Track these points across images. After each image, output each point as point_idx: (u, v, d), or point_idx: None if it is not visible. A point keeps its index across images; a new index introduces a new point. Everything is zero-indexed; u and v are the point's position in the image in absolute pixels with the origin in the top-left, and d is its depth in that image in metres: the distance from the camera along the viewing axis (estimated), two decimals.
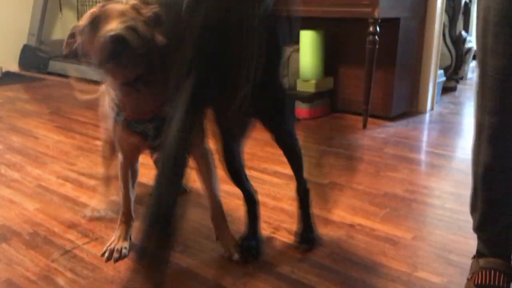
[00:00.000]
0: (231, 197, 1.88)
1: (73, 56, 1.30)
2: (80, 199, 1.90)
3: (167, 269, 1.20)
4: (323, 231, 1.64)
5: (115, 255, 1.46)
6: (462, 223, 1.68)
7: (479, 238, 1.31)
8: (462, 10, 3.96)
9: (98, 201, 1.80)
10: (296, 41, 3.17)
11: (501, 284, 1.22)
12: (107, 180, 1.82)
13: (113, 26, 1.16)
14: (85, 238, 1.59)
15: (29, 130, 2.87)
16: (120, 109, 1.34)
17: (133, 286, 1.33)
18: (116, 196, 1.86)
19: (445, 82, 3.84)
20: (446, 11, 3.83)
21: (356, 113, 3.22)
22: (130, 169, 1.50)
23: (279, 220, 1.72)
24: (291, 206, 1.83)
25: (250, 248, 1.47)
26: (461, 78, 4.20)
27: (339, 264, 1.44)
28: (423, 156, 2.47)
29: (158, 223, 1.03)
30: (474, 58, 4.17)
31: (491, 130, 1.18)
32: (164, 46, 1.16)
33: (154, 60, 1.21)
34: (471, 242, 1.54)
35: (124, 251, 1.48)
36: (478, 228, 1.30)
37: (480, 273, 1.25)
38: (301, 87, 3.18)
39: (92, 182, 2.06)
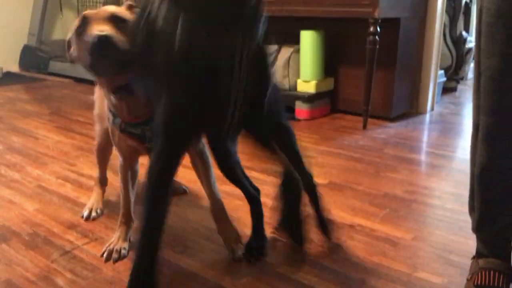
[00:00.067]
0: (231, 197, 1.88)
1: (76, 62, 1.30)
2: (80, 199, 1.90)
3: None
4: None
5: (114, 255, 1.46)
6: (462, 224, 1.68)
7: (478, 238, 1.31)
8: (462, 10, 3.96)
9: (94, 201, 1.80)
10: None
11: (500, 285, 1.22)
12: (102, 181, 1.83)
13: (100, 27, 1.16)
14: (84, 238, 1.59)
15: (29, 130, 2.87)
16: (116, 112, 1.34)
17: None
18: (112, 196, 1.87)
19: (445, 82, 3.84)
20: (447, 11, 3.83)
21: (356, 114, 3.22)
22: (129, 171, 1.50)
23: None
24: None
25: (250, 248, 1.47)
26: (462, 79, 4.20)
27: (339, 265, 1.44)
28: (423, 157, 2.47)
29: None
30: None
31: (486, 130, 1.18)
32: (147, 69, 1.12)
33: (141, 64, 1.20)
34: (471, 243, 1.54)
35: (123, 251, 1.47)
36: (477, 229, 1.30)
37: (479, 274, 1.25)
38: (301, 87, 3.18)
39: (92, 183, 2.05)
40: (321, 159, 2.39)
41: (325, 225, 1.54)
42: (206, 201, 1.83)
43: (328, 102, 3.32)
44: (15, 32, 5.02)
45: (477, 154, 1.22)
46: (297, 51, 3.20)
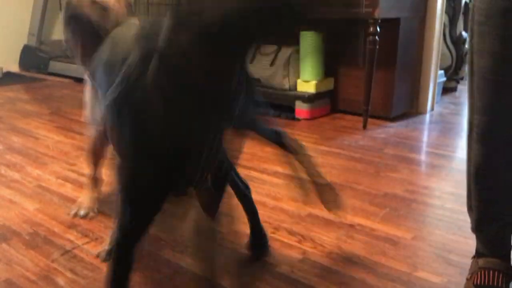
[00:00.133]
0: (230, 197, 1.88)
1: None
2: (80, 199, 1.90)
3: None
4: (323, 231, 1.64)
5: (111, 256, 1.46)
6: (462, 223, 1.68)
7: (477, 238, 1.31)
8: (462, 10, 3.96)
9: (86, 200, 1.80)
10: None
11: (500, 284, 1.22)
12: (95, 181, 1.82)
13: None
14: (85, 238, 1.59)
15: (29, 130, 2.87)
16: None
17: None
18: (112, 196, 1.86)
19: (445, 82, 3.84)
20: (446, 11, 3.82)
21: (357, 114, 3.22)
22: None
23: (279, 220, 1.72)
24: (291, 206, 1.83)
25: (252, 247, 1.47)
26: (462, 79, 4.20)
27: (339, 264, 1.44)
28: (423, 157, 2.47)
29: None
30: None
31: (480, 130, 1.18)
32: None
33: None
34: (471, 242, 1.54)
35: None
36: (476, 228, 1.30)
37: (479, 273, 1.25)
38: (301, 87, 3.18)
39: None
40: (321, 159, 2.39)
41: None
42: None
43: (328, 102, 3.32)
44: (15, 32, 5.02)
45: (472, 153, 1.23)
46: (297, 51, 3.20)
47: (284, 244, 1.56)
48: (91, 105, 1.67)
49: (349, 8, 2.79)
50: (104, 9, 1.25)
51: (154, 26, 0.87)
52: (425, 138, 2.82)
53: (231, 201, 1.84)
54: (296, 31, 3.21)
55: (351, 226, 1.68)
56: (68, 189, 1.99)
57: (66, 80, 4.56)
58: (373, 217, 1.75)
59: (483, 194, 1.24)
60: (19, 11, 5.03)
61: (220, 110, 0.86)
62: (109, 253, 1.46)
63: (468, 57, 1.20)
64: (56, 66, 4.84)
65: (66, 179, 2.10)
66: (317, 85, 3.14)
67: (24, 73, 4.98)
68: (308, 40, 3.09)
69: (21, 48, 5.07)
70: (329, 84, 3.28)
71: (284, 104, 3.23)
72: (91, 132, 1.73)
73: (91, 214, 1.74)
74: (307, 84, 3.15)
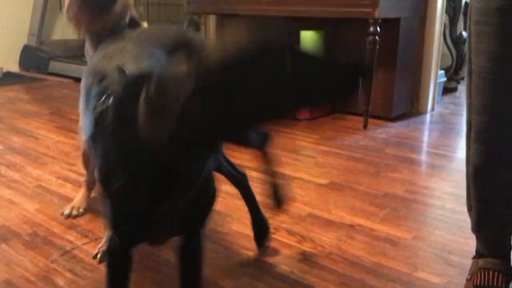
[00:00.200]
0: (230, 197, 1.88)
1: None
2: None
3: None
4: (323, 231, 1.64)
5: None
6: (462, 224, 1.68)
7: (477, 238, 1.31)
8: (462, 10, 3.95)
9: (78, 200, 1.80)
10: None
11: (499, 285, 1.22)
12: (90, 184, 1.82)
13: None
14: (84, 238, 1.59)
15: (29, 130, 2.87)
16: None
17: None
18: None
19: (445, 82, 3.83)
20: (447, 11, 3.82)
21: (357, 114, 3.22)
22: None
23: (279, 221, 1.71)
24: (291, 206, 1.83)
25: (256, 234, 1.50)
26: (462, 79, 4.19)
27: (339, 264, 1.44)
28: (423, 157, 2.47)
29: None
30: None
31: (478, 129, 1.18)
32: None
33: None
34: (471, 243, 1.53)
35: None
36: (476, 228, 1.30)
37: (479, 274, 1.25)
38: None
39: None
40: (321, 159, 2.39)
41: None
42: None
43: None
44: (15, 32, 5.02)
45: (471, 153, 1.23)
46: None
47: (284, 244, 1.56)
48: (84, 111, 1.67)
49: (349, 8, 2.79)
50: None
51: (140, 76, 0.85)
52: (425, 138, 2.82)
53: (231, 202, 1.84)
54: (296, 31, 3.21)
55: (351, 226, 1.68)
56: (68, 189, 1.99)
57: (66, 80, 4.55)
58: (373, 218, 1.74)
59: (482, 194, 1.24)
60: (19, 11, 5.03)
61: (175, 184, 0.85)
62: (106, 253, 1.46)
63: (466, 57, 1.20)
64: (56, 66, 4.83)
65: (66, 179, 2.10)
66: None
67: (24, 73, 4.98)
68: (308, 40, 3.08)
69: (21, 48, 5.07)
70: None
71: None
72: (83, 137, 1.72)
73: (74, 213, 1.75)
74: None
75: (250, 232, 1.62)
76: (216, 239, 1.55)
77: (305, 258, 1.48)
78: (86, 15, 1.32)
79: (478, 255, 1.31)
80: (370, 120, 2.99)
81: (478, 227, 1.29)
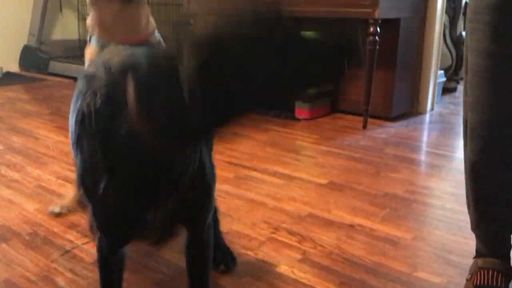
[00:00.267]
0: (231, 197, 1.88)
1: None
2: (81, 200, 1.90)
3: None
4: (323, 231, 1.64)
5: None
6: (462, 224, 1.68)
7: (477, 237, 1.31)
8: (462, 10, 3.96)
9: (67, 199, 1.82)
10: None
11: (499, 284, 1.22)
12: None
13: None
14: (84, 238, 1.59)
15: (29, 130, 2.87)
16: None
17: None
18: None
19: (445, 82, 3.84)
20: (447, 11, 3.82)
21: (357, 114, 3.22)
22: None
23: (279, 220, 1.71)
24: (291, 206, 1.83)
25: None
26: (461, 79, 4.20)
27: (339, 264, 1.44)
28: (423, 157, 2.47)
29: None
30: None
31: (472, 126, 1.19)
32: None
33: None
34: (471, 243, 1.54)
35: None
36: (475, 227, 1.30)
37: (478, 273, 1.25)
38: None
39: None
40: (321, 159, 2.39)
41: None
42: None
43: (328, 102, 3.32)
44: (15, 32, 5.02)
45: (467, 150, 1.23)
46: None
47: (284, 244, 1.56)
48: None
49: (349, 8, 2.79)
50: None
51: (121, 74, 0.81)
52: (425, 138, 2.82)
53: (231, 202, 1.85)
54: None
55: (351, 226, 1.68)
56: (68, 190, 1.99)
57: (66, 80, 4.55)
58: (373, 217, 1.75)
59: (479, 193, 1.25)
60: (19, 11, 5.03)
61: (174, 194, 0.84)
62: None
63: (464, 55, 1.21)
64: (56, 66, 4.84)
65: (66, 179, 2.10)
66: None
67: (24, 73, 4.98)
68: None
69: (21, 48, 5.07)
70: (329, 84, 3.28)
71: (284, 104, 3.23)
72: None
73: (62, 211, 1.77)
74: None
75: (250, 232, 1.62)
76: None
77: (305, 258, 1.48)
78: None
79: (478, 254, 1.31)
80: (370, 120, 2.99)
81: (478, 226, 1.29)
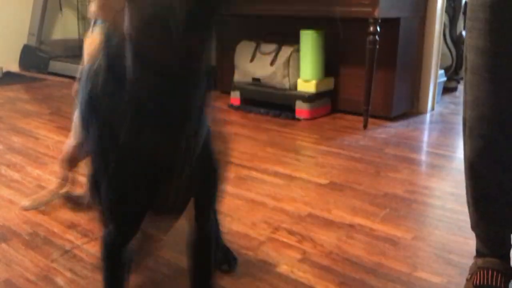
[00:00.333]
0: (231, 197, 1.88)
1: None
2: (80, 199, 1.90)
3: None
4: (323, 231, 1.64)
5: None
6: (462, 224, 1.68)
7: (477, 237, 1.31)
8: (462, 10, 3.96)
9: (40, 195, 1.86)
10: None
11: (498, 284, 1.22)
12: (62, 185, 1.88)
13: None
14: (84, 238, 1.59)
15: (29, 130, 2.87)
16: None
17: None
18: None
19: (445, 82, 3.83)
20: (447, 11, 3.82)
21: (357, 113, 3.22)
22: None
23: (279, 220, 1.71)
24: (291, 206, 1.83)
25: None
26: (462, 78, 4.20)
27: (339, 264, 1.44)
28: (423, 157, 2.47)
29: None
30: None
31: (470, 124, 1.19)
32: None
33: None
34: (471, 243, 1.54)
35: None
36: (474, 226, 1.30)
37: (478, 273, 1.25)
38: (301, 87, 3.18)
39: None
40: (321, 159, 2.39)
41: None
42: None
43: (328, 101, 3.32)
44: (15, 32, 5.02)
45: (466, 148, 1.23)
46: (297, 50, 3.20)
47: (284, 244, 1.56)
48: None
49: (349, 8, 2.79)
50: None
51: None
52: (425, 138, 2.82)
53: (231, 202, 1.85)
54: (296, 31, 3.21)
55: (351, 226, 1.68)
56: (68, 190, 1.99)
57: (66, 80, 4.55)
58: (373, 217, 1.74)
59: (478, 192, 1.25)
60: (19, 11, 5.03)
61: (189, 127, 0.84)
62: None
63: (464, 54, 1.21)
64: (56, 66, 4.84)
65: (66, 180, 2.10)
66: (317, 85, 3.14)
67: (24, 73, 4.98)
68: (308, 39, 3.09)
69: (21, 48, 5.07)
70: (329, 83, 3.28)
71: (284, 104, 3.23)
72: (73, 141, 1.78)
73: (35, 206, 1.81)
74: (307, 83, 3.15)
75: (250, 232, 1.62)
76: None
77: (305, 258, 1.48)
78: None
79: (478, 254, 1.31)
80: (370, 120, 2.99)
81: (477, 225, 1.29)
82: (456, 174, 2.18)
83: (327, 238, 1.59)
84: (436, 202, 1.89)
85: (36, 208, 1.81)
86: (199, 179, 0.94)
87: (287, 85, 3.23)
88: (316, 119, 3.16)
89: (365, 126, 2.95)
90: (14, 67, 5.05)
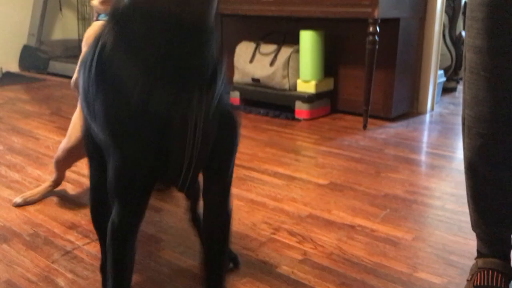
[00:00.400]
0: (231, 197, 1.88)
1: None
2: (81, 199, 1.90)
3: None
4: (323, 231, 1.64)
5: None
6: (463, 224, 1.68)
7: (477, 236, 1.31)
8: (462, 10, 3.96)
9: (35, 192, 1.89)
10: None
11: (498, 285, 1.22)
12: (55, 184, 1.93)
13: None
14: (85, 238, 1.59)
15: (29, 130, 2.87)
16: None
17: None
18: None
19: (445, 82, 3.84)
20: (446, 11, 3.83)
21: (357, 114, 3.22)
22: None
23: (279, 221, 1.72)
24: (292, 207, 1.83)
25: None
26: (461, 79, 4.20)
27: (339, 265, 1.44)
28: (423, 157, 2.47)
29: None
30: None
31: (468, 123, 1.20)
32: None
33: None
34: (471, 243, 1.54)
35: None
36: (474, 225, 1.30)
37: (478, 274, 1.26)
38: (301, 87, 3.19)
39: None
40: (321, 159, 2.39)
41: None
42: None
43: (328, 102, 3.32)
44: (15, 32, 5.02)
45: (464, 147, 1.24)
46: (297, 51, 3.20)
47: (285, 244, 1.56)
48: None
49: (349, 8, 2.79)
50: None
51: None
52: (425, 138, 2.82)
53: (234, 202, 1.84)
54: (296, 31, 3.21)
55: (352, 226, 1.68)
56: (68, 189, 1.99)
57: (66, 80, 4.56)
58: (373, 218, 1.75)
59: (477, 190, 1.25)
60: (19, 11, 5.03)
61: (202, 84, 0.84)
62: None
63: (463, 53, 1.22)
64: (56, 66, 4.84)
65: (66, 180, 2.10)
66: (317, 85, 3.14)
67: (24, 73, 4.98)
68: (308, 39, 3.09)
69: (21, 48, 5.07)
70: (329, 84, 3.28)
71: (284, 104, 3.23)
72: (67, 143, 1.81)
73: (25, 202, 1.85)
74: (307, 84, 3.16)
75: (250, 232, 1.62)
76: None
77: (306, 258, 1.48)
78: None
79: (479, 254, 1.31)
80: (370, 120, 2.99)
81: (477, 225, 1.29)
82: (456, 174, 2.18)
83: (327, 238, 1.60)
84: (436, 203, 1.89)
85: (27, 204, 1.84)
86: (215, 137, 0.91)
87: (286, 86, 3.24)
88: (315, 119, 3.17)
89: (365, 127, 2.95)
90: (14, 67, 5.05)
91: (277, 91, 3.26)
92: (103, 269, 1.25)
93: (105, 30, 0.88)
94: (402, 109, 3.26)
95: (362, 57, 2.97)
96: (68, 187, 2.02)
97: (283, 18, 3.40)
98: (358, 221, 1.72)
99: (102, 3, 1.66)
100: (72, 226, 1.67)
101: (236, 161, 2.25)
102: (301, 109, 3.15)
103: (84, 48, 1.69)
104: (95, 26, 1.67)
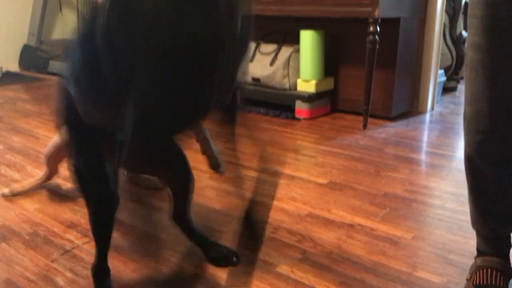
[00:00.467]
0: (231, 196, 1.88)
1: None
2: (80, 199, 1.90)
3: None
4: (323, 230, 1.64)
5: None
6: (462, 223, 1.68)
7: (477, 233, 1.31)
8: (462, 10, 3.96)
9: (20, 185, 1.95)
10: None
11: (497, 283, 1.22)
12: (45, 180, 1.98)
13: None
14: (84, 238, 1.59)
15: (29, 130, 2.87)
16: None
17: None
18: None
19: (445, 82, 3.84)
20: (446, 11, 3.82)
21: (357, 113, 3.22)
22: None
23: (279, 220, 1.72)
24: (291, 206, 1.83)
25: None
26: (462, 78, 4.20)
27: (339, 264, 1.44)
28: (423, 156, 2.47)
29: None
30: None
31: (469, 120, 1.20)
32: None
33: None
34: (471, 242, 1.54)
35: None
36: (474, 222, 1.30)
37: (478, 272, 1.26)
38: (301, 87, 3.18)
39: None
40: (321, 158, 2.39)
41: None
42: (205, 201, 1.84)
43: (328, 101, 3.32)
44: (15, 32, 5.02)
45: (464, 144, 1.24)
46: (297, 50, 3.20)
47: (284, 243, 1.56)
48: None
49: (349, 8, 2.79)
50: None
51: None
52: (425, 138, 2.82)
53: (231, 201, 1.85)
54: (296, 31, 3.21)
55: (351, 226, 1.68)
56: (68, 189, 1.99)
57: None
58: (373, 217, 1.75)
59: (476, 187, 1.25)
60: (19, 11, 5.03)
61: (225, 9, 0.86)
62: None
63: (465, 51, 1.23)
64: (56, 65, 4.84)
65: (66, 179, 2.10)
66: (317, 85, 3.14)
67: (24, 72, 4.98)
68: (308, 39, 3.09)
69: (21, 47, 5.07)
70: (329, 83, 3.28)
71: (284, 104, 3.23)
72: (57, 138, 1.84)
73: (12, 193, 1.91)
74: (307, 83, 3.15)
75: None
76: (215, 239, 1.55)
77: (305, 257, 1.48)
78: None
79: (478, 253, 1.31)
80: (370, 119, 2.99)
81: (476, 222, 1.29)
82: (456, 173, 2.18)
83: (327, 237, 1.60)
84: (436, 202, 1.89)
85: (15, 196, 1.90)
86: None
87: (287, 85, 3.24)
88: (316, 119, 3.16)
89: (365, 126, 2.95)
90: (14, 67, 5.05)
91: (277, 91, 3.25)
92: (95, 271, 1.26)
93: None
94: (402, 108, 3.25)
95: (362, 56, 2.97)
96: (68, 187, 2.02)
97: (283, 18, 3.39)
98: (358, 220, 1.72)
99: None
100: (72, 225, 1.67)
101: (236, 160, 2.24)
102: (301, 109, 3.15)
103: None
104: None
